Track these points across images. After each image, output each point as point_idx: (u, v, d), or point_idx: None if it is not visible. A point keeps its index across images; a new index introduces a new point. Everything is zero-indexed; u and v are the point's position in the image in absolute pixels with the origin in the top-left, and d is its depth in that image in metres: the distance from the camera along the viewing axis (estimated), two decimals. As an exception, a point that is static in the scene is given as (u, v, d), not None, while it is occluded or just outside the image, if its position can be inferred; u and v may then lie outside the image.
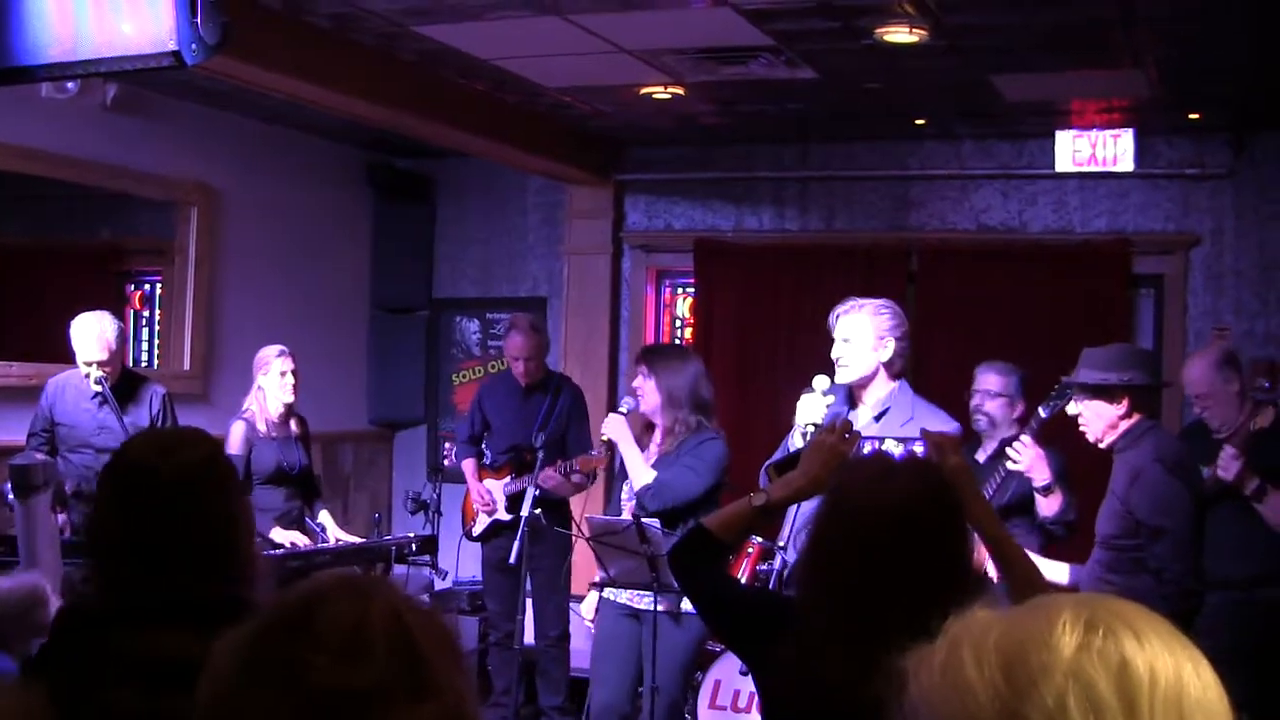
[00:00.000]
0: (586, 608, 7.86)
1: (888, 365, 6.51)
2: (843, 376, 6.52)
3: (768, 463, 6.64)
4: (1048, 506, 6.99)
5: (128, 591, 2.95)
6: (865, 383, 6.53)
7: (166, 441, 3.24)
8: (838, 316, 6.58)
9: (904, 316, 6.65)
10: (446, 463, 12.38)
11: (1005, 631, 1.55)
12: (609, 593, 7.49)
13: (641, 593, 7.25)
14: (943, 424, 6.39)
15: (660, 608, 7.14)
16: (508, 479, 9.37)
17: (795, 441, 6.41)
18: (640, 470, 7.31)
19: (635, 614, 7.39)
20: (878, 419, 6.40)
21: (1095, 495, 6.61)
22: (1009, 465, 6.95)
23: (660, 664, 7.21)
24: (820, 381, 6.45)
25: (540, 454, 8.34)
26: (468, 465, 9.96)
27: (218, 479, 3.17)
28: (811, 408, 6.38)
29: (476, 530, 9.79)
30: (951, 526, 3.48)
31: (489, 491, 9.58)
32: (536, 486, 8.18)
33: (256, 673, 1.67)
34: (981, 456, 7.55)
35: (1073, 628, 1.51)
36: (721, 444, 7.43)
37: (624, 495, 7.54)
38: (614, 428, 7.43)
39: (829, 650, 3.36)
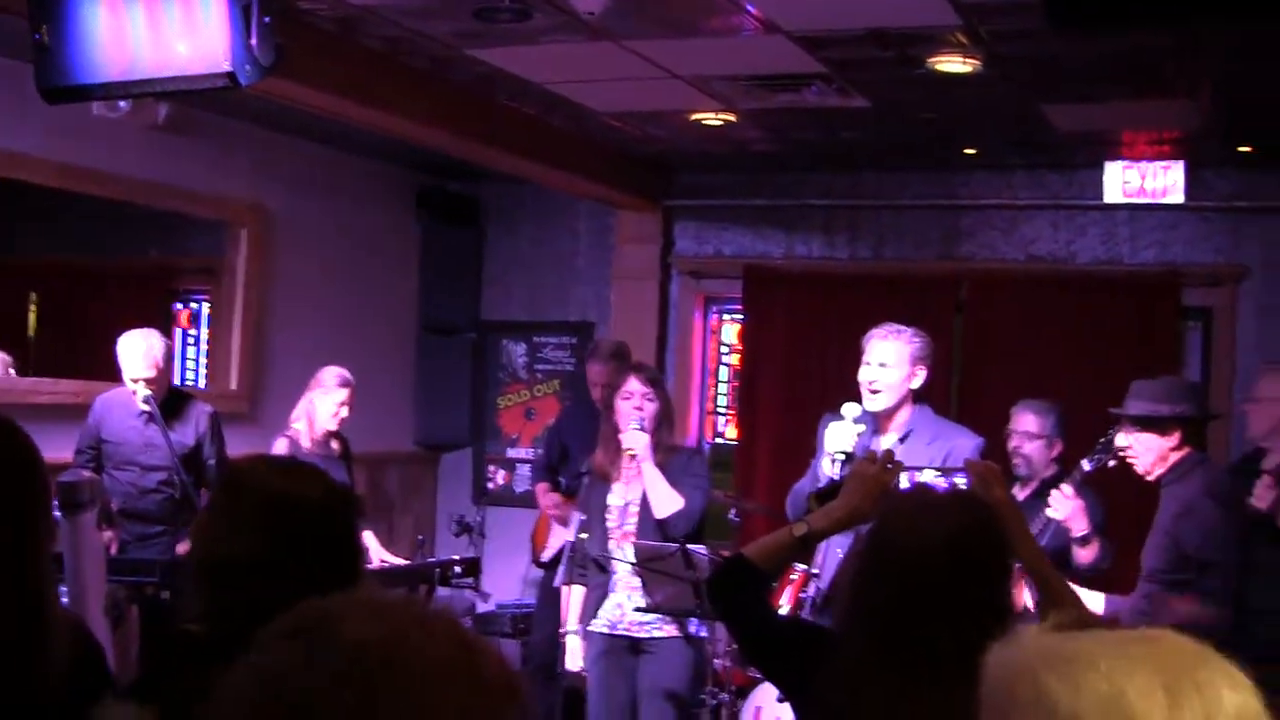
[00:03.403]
0: (571, 658, 7.73)
1: (913, 392, 6.60)
2: (875, 403, 6.60)
3: (797, 488, 6.67)
4: (1084, 556, 6.99)
5: (250, 617, 2.93)
6: (894, 410, 6.59)
7: (294, 470, 3.27)
8: (873, 340, 6.65)
9: (932, 346, 6.79)
10: (491, 486, 12.41)
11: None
12: (598, 625, 7.45)
13: (638, 621, 7.31)
14: (968, 440, 6.48)
15: (665, 632, 7.27)
16: (578, 502, 9.36)
17: (825, 468, 6.43)
18: (667, 493, 7.28)
19: (634, 644, 7.39)
20: (902, 440, 6.45)
21: (1137, 531, 6.58)
22: (1048, 512, 6.94)
23: (668, 688, 7.27)
24: (850, 409, 6.48)
25: (586, 479, 8.29)
26: (540, 487, 9.99)
27: (351, 507, 3.20)
28: (841, 435, 6.39)
29: (547, 555, 9.80)
30: (997, 561, 3.47)
31: (567, 503, 9.59)
32: (581, 510, 8.15)
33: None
34: (1020, 495, 7.50)
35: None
36: (704, 457, 7.56)
37: (610, 521, 7.52)
38: (641, 444, 7.31)
39: (870, 684, 3.35)
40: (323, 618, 1.65)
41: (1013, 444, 7.60)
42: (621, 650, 7.39)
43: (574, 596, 7.67)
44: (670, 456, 7.43)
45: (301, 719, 1.53)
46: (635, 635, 7.34)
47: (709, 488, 7.57)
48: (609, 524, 7.47)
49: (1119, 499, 7.35)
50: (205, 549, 3.13)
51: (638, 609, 7.29)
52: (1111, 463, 6.71)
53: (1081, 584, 7.11)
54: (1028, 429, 7.58)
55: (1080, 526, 6.91)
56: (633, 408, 7.36)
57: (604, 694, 7.46)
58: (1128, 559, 6.91)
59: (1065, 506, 6.86)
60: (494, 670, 1.63)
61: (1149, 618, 6.19)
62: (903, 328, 6.72)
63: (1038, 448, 7.54)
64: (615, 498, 7.48)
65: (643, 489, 7.34)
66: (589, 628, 7.49)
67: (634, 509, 7.40)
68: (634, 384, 7.43)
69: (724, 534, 8.99)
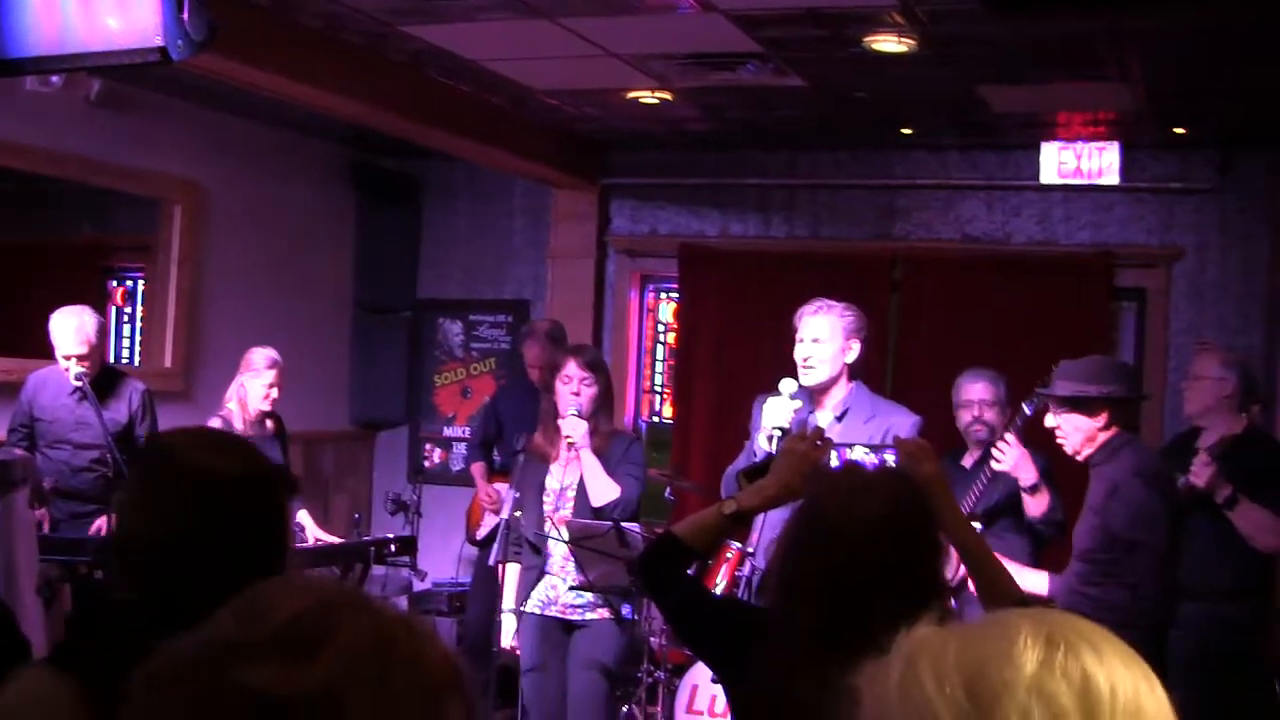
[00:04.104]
0: (506, 637, 7.67)
1: (849, 366, 6.57)
2: (810, 378, 6.53)
3: (732, 468, 6.66)
4: (1035, 506, 6.97)
5: (175, 593, 2.84)
6: (829, 385, 6.57)
7: (224, 444, 3.19)
8: (804, 317, 6.62)
9: (866, 320, 6.73)
10: (427, 464, 12.41)
11: (965, 648, 1.54)
12: (532, 606, 7.42)
13: (572, 603, 7.31)
14: (905, 418, 6.43)
15: (598, 615, 7.29)
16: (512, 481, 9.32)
17: (761, 445, 6.41)
18: (604, 481, 7.26)
19: (567, 625, 7.37)
20: (839, 419, 6.43)
21: (1078, 505, 6.60)
22: (994, 465, 6.95)
23: (599, 664, 7.28)
24: (787, 385, 6.44)
25: (521, 457, 8.24)
26: (477, 469, 9.98)
27: (277, 482, 3.13)
28: (778, 411, 6.37)
29: (482, 533, 9.80)
30: (927, 539, 3.48)
31: (498, 491, 9.57)
32: (516, 487, 8.11)
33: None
34: (968, 462, 7.52)
35: (1034, 644, 1.51)
36: (642, 444, 7.52)
37: (547, 503, 7.49)
38: (579, 432, 7.29)
39: (803, 663, 3.35)
40: (260, 592, 1.63)
41: (974, 413, 7.57)
42: (555, 631, 7.38)
43: (509, 574, 7.65)
44: (609, 442, 7.41)
45: (229, 686, 1.52)
46: (568, 618, 7.33)
47: (645, 476, 7.56)
48: (545, 506, 7.43)
49: (1063, 473, 7.34)
50: (129, 525, 3.07)
51: (572, 588, 7.28)
52: (1046, 420, 6.69)
53: (1040, 541, 7.18)
54: (984, 397, 7.58)
55: (1028, 475, 6.92)
56: (570, 392, 7.34)
57: (539, 675, 7.44)
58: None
59: (1010, 455, 6.87)
60: (434, 656, 1.61)
61: (1080, 596, 6.22)
62: (834, 302, 6.68)
63: (997, 413, 7.53)
64: (553, 480, 7.44)
65: (580, 474, 7.33)
66: (523, 608, 7.48)
67: (571, 493, 7.36)
68: (572, 368, 7.38)
69: (660, 513, 9.00)
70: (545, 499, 7.44)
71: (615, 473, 7.29)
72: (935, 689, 1.51)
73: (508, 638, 7.60)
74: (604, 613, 7.25)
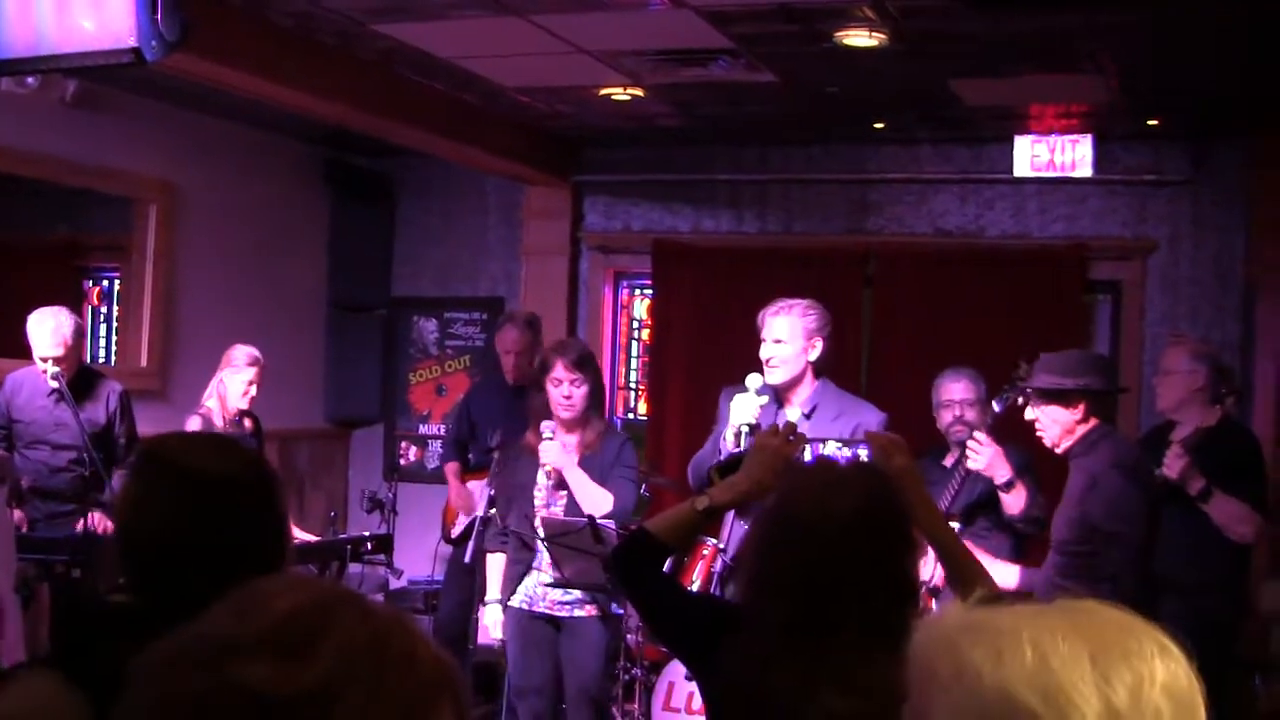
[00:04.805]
0: (492, 625, 7.63)
1: (814, 364, 6.60)
2: (775, 377, 6.60)
3: (698, 456, 6.69)
4: (1012, 504, 6.97)
5: (175, 596, 2.73)
6: (794, 383, 6.62)
7: (221, 446, 3.19)
8: (766, 318, 6.67)
9: (829, 317, 6.77)
10: (403, 462, 12.40)
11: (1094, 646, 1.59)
12: (517, 601, 7.41)
13: (558, 600, 7.30)
14: (873, 415, 6.49)
15: (585, 612, 7.28)
16: (488, 479, 9.29)
17: (728, 440, 6.43)
18: (595, 492, 7.21)
19: (554, 620, 7.35)
20: (808, 416, 6.47)
21: (1058, 497, 6.61)
22: (969, 464, 6.96)
23: (587, 665, 7.28)
24: (753, 380, 6.48)
25: (496, 454, 8.22)
26: (450, 468, 9.95)
27: (276, 481, 3.12)
28: (745, 408, 6.40)
29: (456, 531, 9.79)
30: (900, 534, 3.48)
31: (470, 492, 9.55)
32: (492, 485, 8.10)
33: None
34: (949, 462, 7.52)
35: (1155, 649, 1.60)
36: (633, 444, 7.57)
37: (537, 499, 7.46)
38: (558, 457, 7.24)
39: (775, 658, 3.36)
40: (254, 588, 1.64)
41: (955, 413, 7.56)
42: (541, 627, 7.36)
43: (493, 564, 7.64)
44: (601, 441, 7.37)
45: (224, 684, 1.52)
46: (555, 614, 7.30)
47: (639, 476, 7.55)
48: (536, 502, 7.37)
49: (1048, 460, 7.35)
50: (128, 526, 3.04)
51: (548, 584, 7.27)
52: (1021, 399, 6.70)
53: (1017, 537, 7.19)
54: (966, 396, 7.58)
55: (1002, 473, 6.92)
56: (562, 395, 7.26)
57: (524, 670, 7.42)
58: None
59: (984, 454, 6.87)
60: (428, 655, 1.61)
61: (1059, 589, 6.23)
62: (796, 301, 6.72)
63: (978, 412, 7.53)
64: (544, 477, 7.40)
65: (574, 472, 7.29)
66: (508, 603, 7.45)
67: (563, 492, 7.32)
68: (560, 369, 7.27)
69: (635, 509, 9.01)
70: (536, 494, 7.40)
71: (608, 477, 7.26)
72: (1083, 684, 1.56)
73: (495, 629, 7.58)
74: (591, 609, 7.24)
